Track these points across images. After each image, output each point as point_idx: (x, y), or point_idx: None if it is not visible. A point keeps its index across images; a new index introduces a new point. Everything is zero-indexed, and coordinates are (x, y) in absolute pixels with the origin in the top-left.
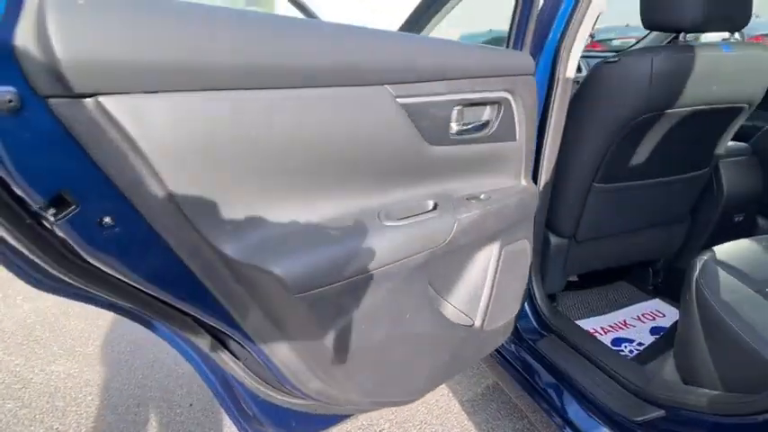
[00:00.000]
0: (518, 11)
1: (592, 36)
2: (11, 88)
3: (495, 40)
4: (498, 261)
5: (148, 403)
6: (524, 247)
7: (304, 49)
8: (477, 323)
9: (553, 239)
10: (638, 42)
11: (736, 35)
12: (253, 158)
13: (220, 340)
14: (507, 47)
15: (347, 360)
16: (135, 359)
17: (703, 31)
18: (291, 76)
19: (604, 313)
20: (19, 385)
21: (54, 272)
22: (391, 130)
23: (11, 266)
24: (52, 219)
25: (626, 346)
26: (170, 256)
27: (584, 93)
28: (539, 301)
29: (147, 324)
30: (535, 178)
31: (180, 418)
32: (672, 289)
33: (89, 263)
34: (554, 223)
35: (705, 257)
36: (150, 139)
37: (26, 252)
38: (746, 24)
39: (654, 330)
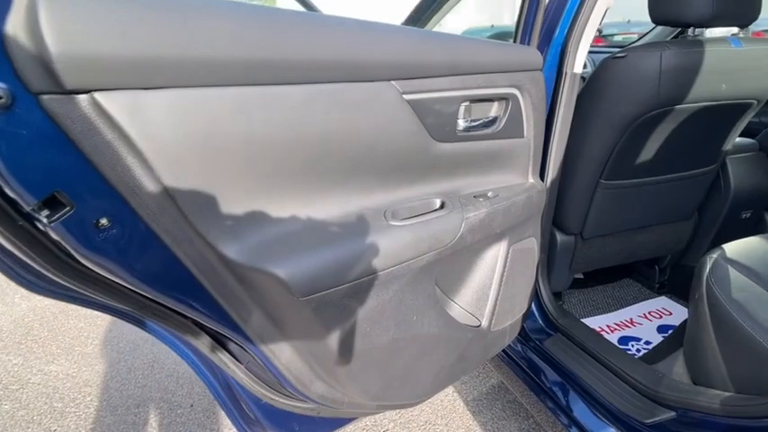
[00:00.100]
0: (525, 5)
1: (599, 31)
2: (0, 84)
3: (499, 36)
4: (506, 260)
5: (148, 404)
6: (532, 245)
7: (307, 43)
8: (485, 324)
9: (559, 237)
10: (641, 38)
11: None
12: (254, 157)
13: (220, 342)
14: (514, 42)
15: (352, 363)
16: (135, 359)
17: (712, 27)
18: (294, 72)
19: (610, 311)
20: (17, 386)
21: (48, 274)
22: (397, 126)
23: (3, 269)
24: (46, 221)
25: (633, 345)
26: (169, 259)
27: (591, 88)
28: (545, 300)
29: (145, 326)
30: (542, 175)
31: (181, 420)
32: (679, 286)
33: (85, 265)
34: (560, 221)
35: (715, 256)
36: (148, 137)
37: (19, 254)
38: (755, 19)
39: (661, 329)
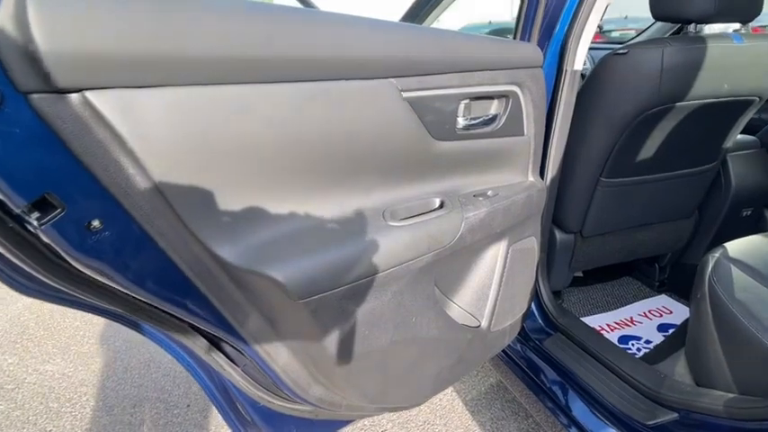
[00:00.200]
0: (526, 1)
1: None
2: None
3: (497, 32)
4: (506, 260)
5: (144, 404)
6: (532, 244)
7: (303, 40)
8: (484, 324)
9: (559, 235)
10: (640, 34)
11: (737, 25)
12: (251, 156)
13: (216, 345)
14: (514, 38)
15: (350, 366)
16: (131, 358)
17: (714, 22)
18: (290, 70)
19: (610, 310)
20: (12, 385)
21: (39, 276)
22: (396, 125)
23: None
24: (36, 223)
25: (633, 344)
26: (163, 261)
27: (592, 85)
28: (545, 299)
29: (140, 328)
30: (542, 173)
31: (177, 420)
32: (679, 285)
33: (77, 268)
34: (560, 219)
35: (717, 254)
36: (141, 137)
37: (9, 256)
38: (758, 15)
39: (661, 327)
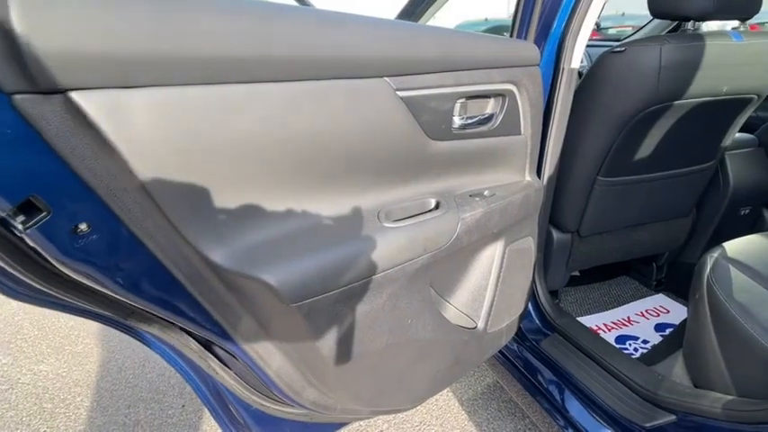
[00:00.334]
0: None
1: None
2: None
3: (494, 30)
4: (502, 260)
5: (139, 404)
6: (529, 245)
7: (295, 38)
8: (481, 325)
9: (556, 235)
10: (637, 31)
11: (735, 23)
12: (241, 158)
13: (209, 348)
14: (511, 36)
15: (345, 370)
16: (125, 358)
17: (713, 20)
18: (282, 69)
19: (607, 309)
20: (6, 386)
21: (28, 281)
22: (391, 124)
23: None
24: (21, 227)
25: (631, 344)
26: (153, 265)
27: (589, 84)
28: (542, 299)
29: (131, 331)
30: (538, 172)
31: (172, 420)
32: (676, 284)
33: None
34: (557, 218)
35: (715, 255)
36: (128, 139)
37: None
38: (757, 12)
39: (659, 327)
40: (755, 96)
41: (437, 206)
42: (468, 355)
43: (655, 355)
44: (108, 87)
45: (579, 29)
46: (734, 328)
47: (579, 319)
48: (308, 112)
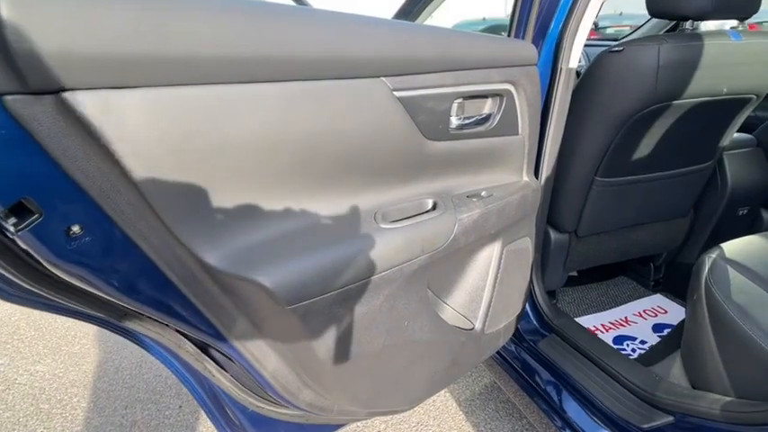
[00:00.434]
0: None
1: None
2: None
3: (492, 30)
4: (500, 261)
5: (136, 405)
6: (526, 245)
7: (291, 38)
8: (478, 326)
9: (554, 235)
10: (634, 31)
11: (733, 22)
12: (236, 158)
13: (204, 349)
14: (509, 35)
15: (341, 371)
16: (122, 358)
17: (711, 19)
18: (279, 69)
19: (605, 310)
20: (2, 387)
21: (20, 282)
22: (387, 125)
23: None
24: (13, 229)
25: (628, 345)
26: (147, 267)
27: (587, 83)
28: (539, 300)
29: (126, 333)
30: (536, 173)
31: (169, 421)
32: (674, 284)
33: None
34: (555, 219)
35: (714, 255)
36: (121, 139)
37: None
38: (756, 11)
39: (656, 327)
40: (754, 96)
41: (434, 207)
42: (465, 356)
43: (652, 356)
44: (101, 88)
45: (577, 28)
46: (732, 330)
47: (577, 319)
48: (303, 113)
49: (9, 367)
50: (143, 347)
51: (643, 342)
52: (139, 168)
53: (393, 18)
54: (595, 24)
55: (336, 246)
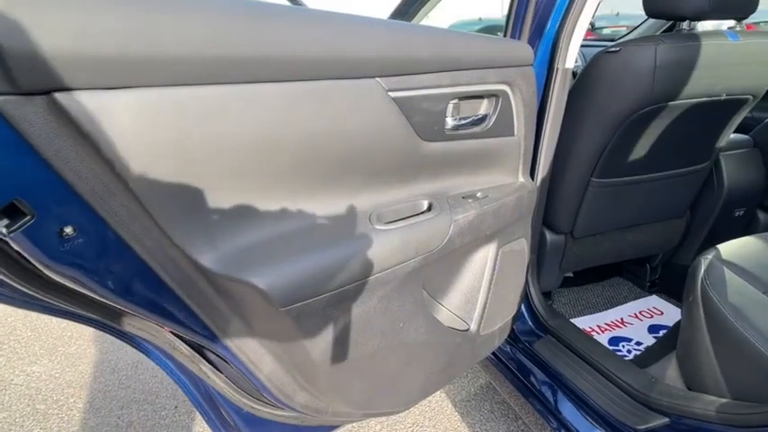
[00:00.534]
0: None
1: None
2: None
3: (487, 30)
4: (495, 262)
5: (132, 406)
6: (522, 246)
7: (286, 39)
8: (473, 327)
9: (549, 236)
10: (631, 31)
11: (730, 22)
12: (230, 159)
13: (199, 351)
14: (505, 36)
15: (336, 373)
16: (118, 359)
17: (709, 19)
18: (273, 69)
19: (601, 311)
20: None
21: (14, 284)
22: (383, 126)
23: None
24: (5, 231)
25: (624, 346)
26: (141, 269)
27: (583, 84)
28: (535, 301)
29: (121, 334)
30: (532, 173)
31: (165, 422)
32: (670, 285)
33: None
34: (551, 220)
35: (710, 257)
36: (115, 141)
37: None
38: (754, 11)
39: (652, 329)
40: (751, 97)
41: (429, 208)
42: (460, 357)
43: (648, 357)
44: (93, 88)
45: (573, 28)
46: (728, 331)
47: (572, 320)
48: (298, 113)
49: (5, 368)
50: (138, 349)
51: (639, 343)
52: (133, 169)
53: (389, 18)
54: (592, 24)
55: (331, 247)
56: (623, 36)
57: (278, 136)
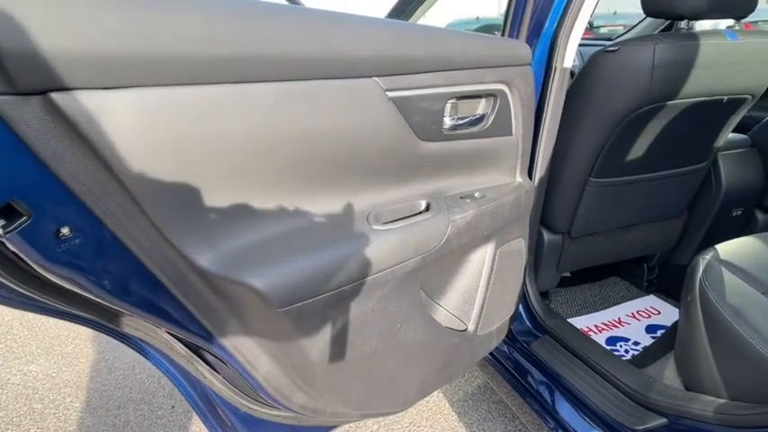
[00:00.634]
0: None
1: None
2: None
3: (485, 29)
4: (493, 262)
5: (129, 405)
6: (520, 246)
7: (283, 38)
8: (471, 328)
9: (547, 236)
10: (628, 30)
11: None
12: (228, 159)
13: (197, 351)
14: (502, 35)
15: (334, 373)
16: (115, 359)
17: (707, 18)
18: (271, 68)
19: (598, 310)
20: None
21: (10, 284)
22: (380, 126)
23: None
24: (1, 231)
25: (621, 346)
26: (138, 269)
27: (581, 83)
28: (532, 301)
29: (118, 335)
30: (530, 173)
31: (162, 421)
32: (667, 285)
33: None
34: (548, 219)
35: (708, 257)
36: (111, 141)
37: None
38: (753, 11)
39: (649, 329)
40: (749, 97)
41: (427, 208)
42: (458, 357)
43: (646, 357)
44: (89, 88)
45: (572, 27)
46: (726, 332)
47: (570, 320)
48: (296, 113)
49: (2, 367)
50: (135, 349)
51: (636, 343)
52: (129, 170)
53: (386, 17)
54: (590, 24)
55: (328, 248)
56: (620, 35)
57: (276, 135)
